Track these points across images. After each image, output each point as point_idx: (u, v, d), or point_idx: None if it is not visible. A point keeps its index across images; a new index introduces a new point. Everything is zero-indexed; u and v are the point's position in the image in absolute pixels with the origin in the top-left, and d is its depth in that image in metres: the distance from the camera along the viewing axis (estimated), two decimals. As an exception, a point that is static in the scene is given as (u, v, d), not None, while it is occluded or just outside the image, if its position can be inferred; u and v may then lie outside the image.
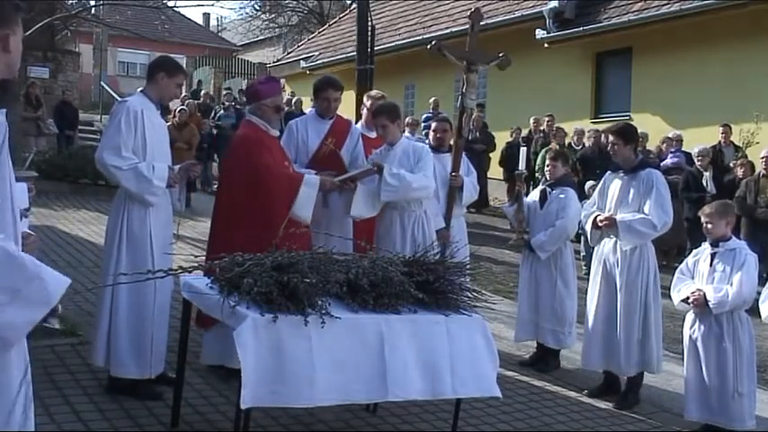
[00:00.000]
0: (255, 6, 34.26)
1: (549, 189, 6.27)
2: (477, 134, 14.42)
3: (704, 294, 4.93)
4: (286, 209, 4.82)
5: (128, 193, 4.55)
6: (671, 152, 11.72)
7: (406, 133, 9.88)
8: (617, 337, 5.41)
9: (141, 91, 4.80)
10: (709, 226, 5.08)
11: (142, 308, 4.50)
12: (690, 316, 5.15)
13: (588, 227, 5.68)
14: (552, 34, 14.73)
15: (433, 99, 15.46)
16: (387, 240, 5.32)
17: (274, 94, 5.18)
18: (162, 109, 5.21)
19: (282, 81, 25.09)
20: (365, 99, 6.34)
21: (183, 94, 16.60)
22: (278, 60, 25.68)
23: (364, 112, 6.17)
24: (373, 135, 5.86)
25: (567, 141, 12.90)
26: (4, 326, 2.10)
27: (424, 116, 14.91)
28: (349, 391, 3.70)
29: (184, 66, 26.67)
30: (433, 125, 6.54)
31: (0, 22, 2.32)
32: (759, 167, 9.83)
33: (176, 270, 3.92)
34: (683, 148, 11.80)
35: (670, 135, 12.11)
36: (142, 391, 4.52)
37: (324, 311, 3.56)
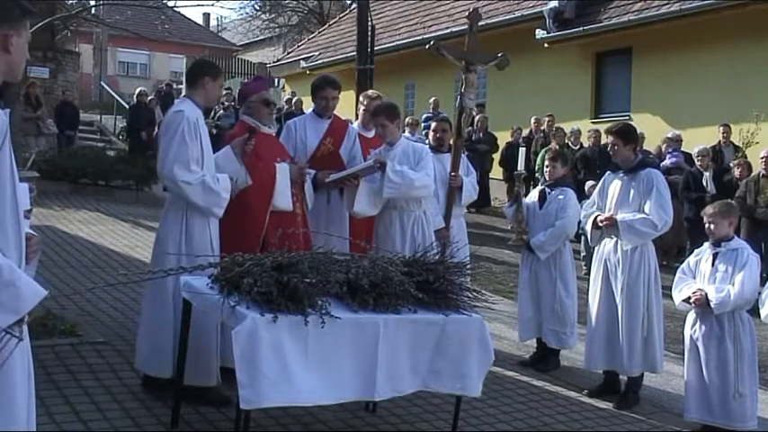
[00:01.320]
0: (255, 6, 34.24)
1: (548, 189, 6.27)
2: (481, 135, 14.44)
3: (706, 294, 4.93)
4: (266, 201, 4.84)
5: (189, 205, 4.43)
6: (669, 152, 11.71)
7: (406, 133, 9.89)
8: (619, 337, 5.41)
9: (187, 97, 4.68)
10: (713, 226, 5.07)
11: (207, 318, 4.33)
12: (691, 316, 5.14)
13: (588, 227, 5.68)
14: (552, 34, 14.73)
15: (432, 99, 15.47)
16: (386, 240, 5.33)
17: (259, 89, 5.22)
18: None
19: (282, 81, 25.14)
20: (361, 99, 6.32)
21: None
22: (278, 60, 25.67)
23: (361, 111, 6.17)
24: (370, 135, 5.87)
25: (565, 141, 12.91)
26: None
27: (424, 116, 14.93)
28: (341, 390, 3.71)
29: (184, 66, 26.73)
30: (433, 125, 6.54)
31: (2, 22, 2.30)
32: (759, 167, 9.83)
33: (176, 270, 3.91)
34: (682, 149, 11.79)
35: (669, 135, 12.11)
36: (212, 398, 4.47)
37: (324, 311, 3.57)
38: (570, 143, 12.86)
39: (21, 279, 2.18)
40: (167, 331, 4.42)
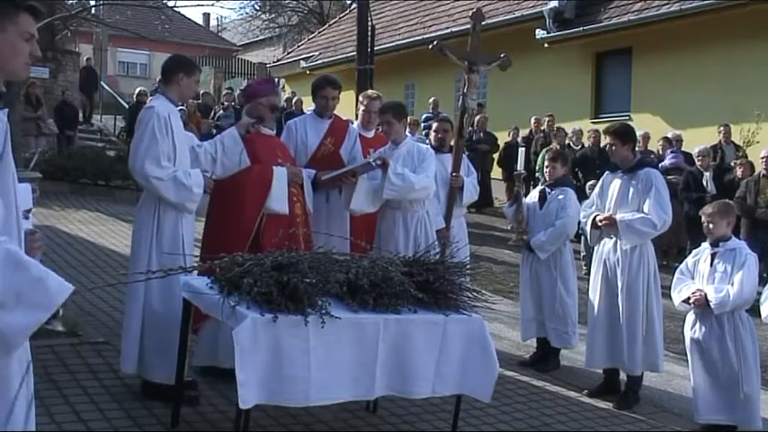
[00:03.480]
0: (255, 6, 34.24)
1: (548, 189, 6.27)
2: (482, 135, 14.44)
3: (705, 295, 4.93)
4: (259, 204, 4.83)
5: (162, 201, 4.43)
6: (670, 153, 11.70)
7: (406, 132, 9.85)
8: (620, 337, 5.41)
9: (161, 94, 4.71)
10: (711, 226, 5.07)
11: (177, 311, 4.31)
12: (690, 317, 5.15)
13: (588, 227, 5.69)
14: (552, 34, 14.74)
15: (432, 99, 15.46)
16: (389, 240, 5.35)
17: (270, 93, 5.22)
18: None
19: (282, 81, 25.15)
20: (361, 98, 6.27)
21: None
22: (278, 60, 25.68)
23: (360, 111, 6.17)
24: (369, 135, 5.88)
25: (566, 141, 12.92)
26: (7, 328, 2.09)
27: (424, 116, 14.93)
28: (341, 390, 3.72)
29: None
30: (434, 125, 6.54)
31: None
32: (759, 167, 9.84)
33: (176, 270, 3.92)
34: (683, 148, 11.80)
35: (668, 135, 12.12)
36: (177, 396, 4.41)
37: (324, 311, 3.57)
38: (572, 143, 12.86)
39: (49, 275, 2.18)
40: (134, 327, 4.44)
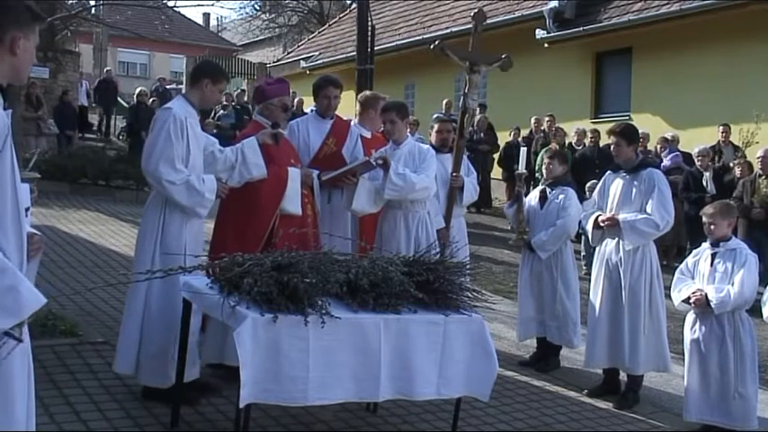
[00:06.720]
0: (255, 6, 34.31)
1: (548, 189, 6.27)
2: (482, 135, 14.43)
3: (706, 294, 4.93)
4: (275, 204, 4.84)
5: (168, 203, 4.41)
6: (671, 153, 11.69)
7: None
8: (621, 337, 5.41)
9: (182, 96, 4.69)
10: (712, 227, 5.07)
11: (176, 315, 4.29)
12: (690, 316, 5.15)
13: (589, 227, 5.68)
14: (552, 34, 14.74)
15: (445, 101, 15.31)
16: (391, 240, 5.36)
17: (281, 93, 5.24)
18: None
19: (283, 81, 25.14)
20: (360, 98, 6.29)
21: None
22: (278, 60, 25.67)
23: (357, 108, 6.15)
24: (368, 134, 5.87)
25: (567, 141, 12.91)
26: None
27: (435, 116, 14.86)
28: (341, 391, 3.72)
29: (184, 66, 26.70)
30: (437, 125, 6.53)
31: (12, 23, 2.32)
32: (756, 168, 9.83)
33: (176, 270, 3.91)
34: (682, 149, 11.79)
35: (666, 136, 12.11)
36: (178, 397, 4.38)
37: (324, 311, 3.57)
38: (573, 143, 12.85)
39: (23, 284, 2.20)
40: (132, 328, 4.41)
